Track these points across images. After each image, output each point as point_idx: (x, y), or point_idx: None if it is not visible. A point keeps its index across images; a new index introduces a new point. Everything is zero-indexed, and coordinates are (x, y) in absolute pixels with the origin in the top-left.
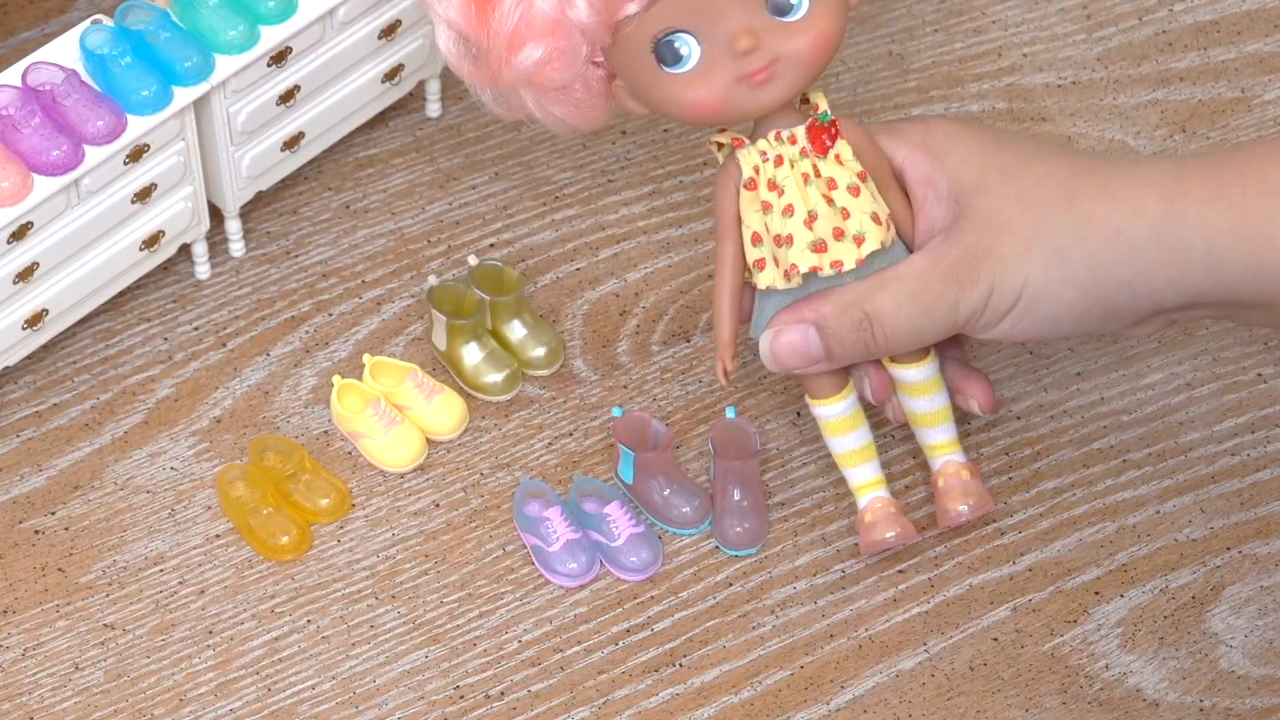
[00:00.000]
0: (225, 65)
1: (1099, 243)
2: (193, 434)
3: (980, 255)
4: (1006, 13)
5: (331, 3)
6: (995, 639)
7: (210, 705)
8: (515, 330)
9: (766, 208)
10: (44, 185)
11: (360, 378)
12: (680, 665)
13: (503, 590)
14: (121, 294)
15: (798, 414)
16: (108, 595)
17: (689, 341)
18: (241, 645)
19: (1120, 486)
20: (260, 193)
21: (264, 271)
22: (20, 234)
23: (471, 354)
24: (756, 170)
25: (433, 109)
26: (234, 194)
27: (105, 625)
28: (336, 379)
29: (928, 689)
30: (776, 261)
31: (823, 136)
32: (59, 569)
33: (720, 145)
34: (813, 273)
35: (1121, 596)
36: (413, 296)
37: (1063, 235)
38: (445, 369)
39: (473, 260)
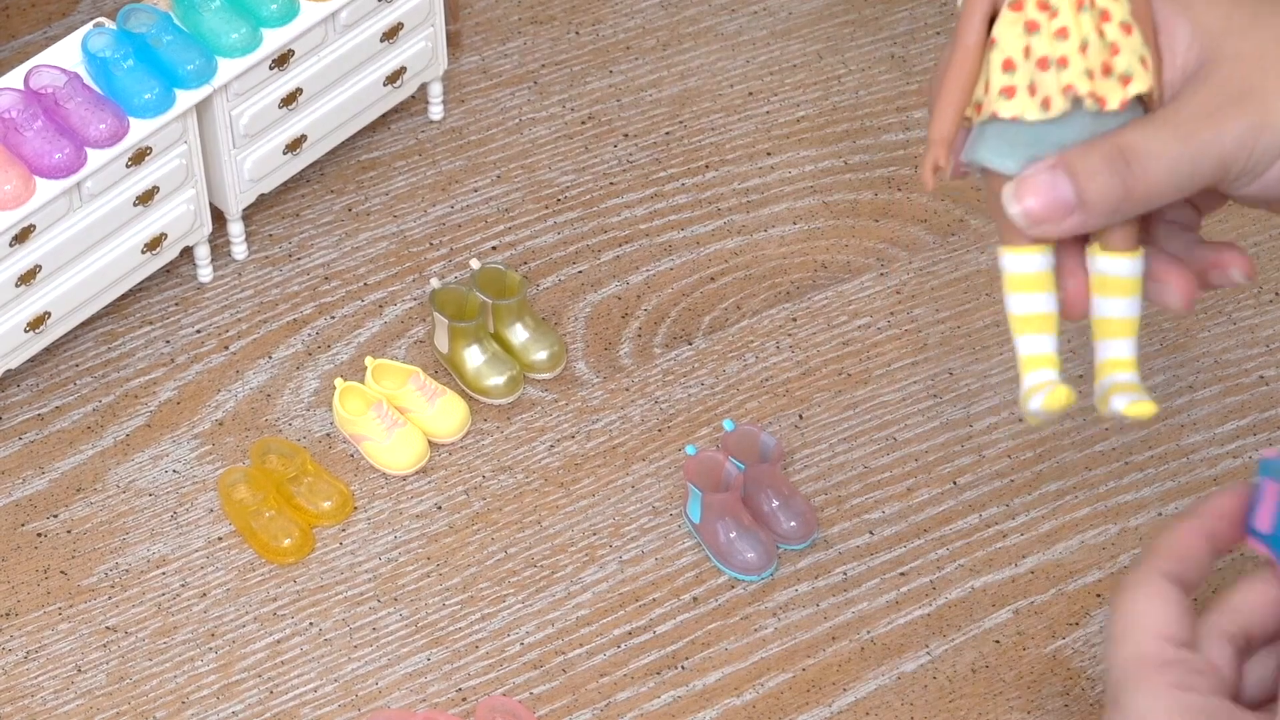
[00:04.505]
0: (227, 68)
1: None
2: (195, 437)
3: (1242, 92)
4: None
5: (334, 6)
6: (997, 641)
7: (212, 708)
8: (517, 333)
9: (1032, 28)
10: (46, 188)
11: (362, 380)
12: (682, 668)
13: (505, 593)
14: (123, 297)
15: (799, 416)
16: (110, 598)
17: (691, 344)
18: (244, 648)
19: (1122, 489)
20: (262, 195)
21: (266, 274)
22: (22, 237)
23: (473, 357)
24: None
25: (435, 112)
26: (236, 197)
27: (107, 628)
28: (339, 382)
29: (930, 691)
30: (1033, 89)
31: None
32: (61, 572)
33: None
34: (1090, 99)
35: None
36: (415, 299)
37: None
38: (447, 372)
39: (475, 263)
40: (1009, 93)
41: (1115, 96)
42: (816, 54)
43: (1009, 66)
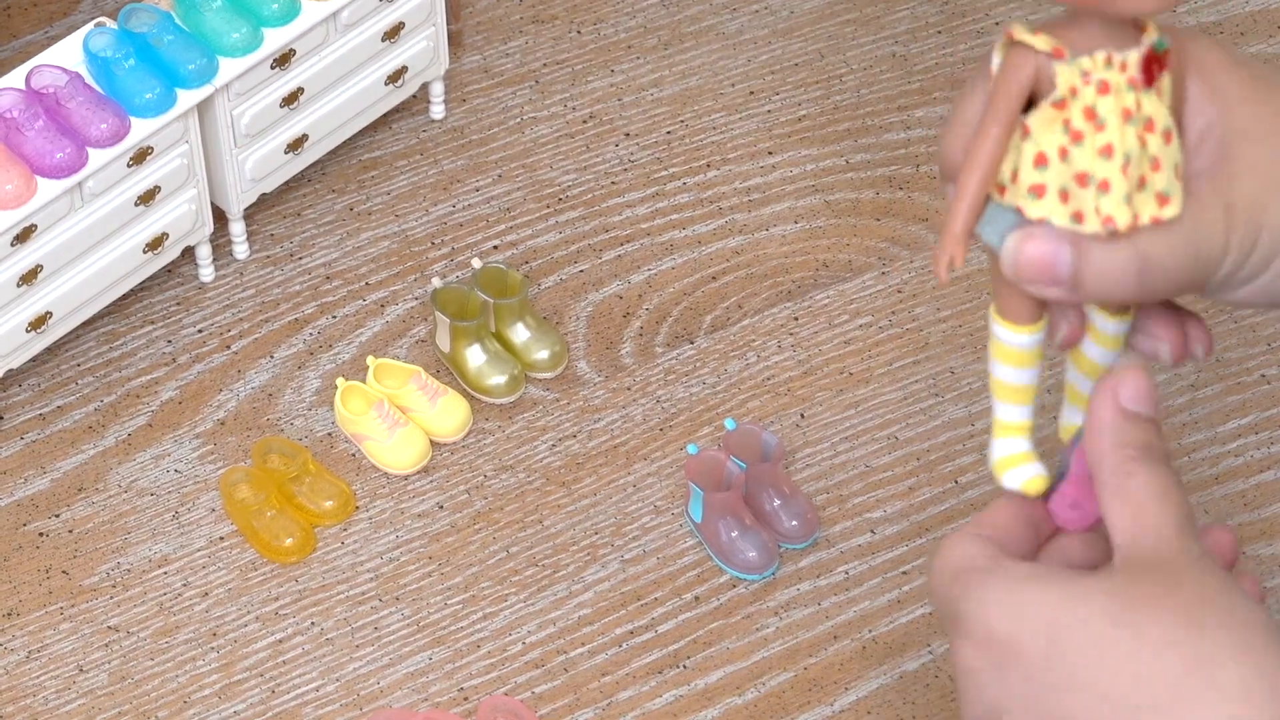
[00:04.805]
0: (229, 68)
1: None
2: (196, 436)
3: (1254, 211)
4: (1009, 14)
5: (335, 5)
6: None
7: (214, 707)
8: (519, 332)
9: (1077, 138)
10: (48, 188)
11: (364, 380)
12: (684, 667)
13: (506, 592)
14: (125, 296)
15: (801, 415)
16: (112, 598)
17: (693, 343)
18: (245, 647)
19: None
20: (264, 195)
21: (268, 274)
22: (24, 237)
23: (475, 356)
24: (1073, 91)
25: (436, 111)
26: (238, 196)
27: (109, 627)
28: (340, 381)
29: (931, 690)
30: (1065, 196)
31: (1153, 67)
32: (63, 571)
33: (1018, 42)
34: (1130, 229)
35: None
36: (416, 299)
37: None
38: (449, 371)
39: (476, 263)
40: (1038, 191)
41: (1146, 213)
42: (818, 53)
43: (1041, 162)
